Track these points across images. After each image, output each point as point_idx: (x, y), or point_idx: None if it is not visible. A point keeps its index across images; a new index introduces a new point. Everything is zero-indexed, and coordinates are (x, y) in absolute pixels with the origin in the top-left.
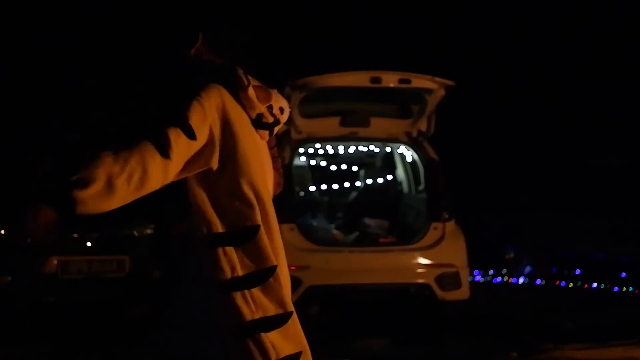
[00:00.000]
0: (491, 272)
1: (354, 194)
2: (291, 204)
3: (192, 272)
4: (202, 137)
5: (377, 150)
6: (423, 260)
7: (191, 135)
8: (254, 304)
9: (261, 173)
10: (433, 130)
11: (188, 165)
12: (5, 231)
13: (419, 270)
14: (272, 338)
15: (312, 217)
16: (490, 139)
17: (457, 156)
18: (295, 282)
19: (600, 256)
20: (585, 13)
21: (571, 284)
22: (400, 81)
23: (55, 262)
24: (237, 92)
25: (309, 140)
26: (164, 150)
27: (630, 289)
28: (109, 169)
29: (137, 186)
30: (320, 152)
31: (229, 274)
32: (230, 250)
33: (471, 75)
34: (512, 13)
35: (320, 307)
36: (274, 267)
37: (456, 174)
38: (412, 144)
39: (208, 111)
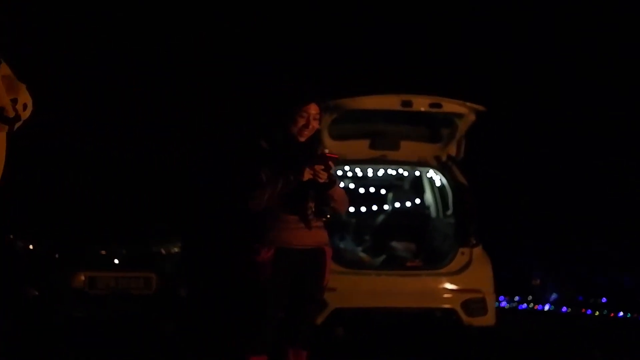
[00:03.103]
0: (517, 298)
1: (381, 217)
2: None
3: None
4: None
5: (406, 173)
6: (449, 285)
7: None
8: None
9: None
10: (462, 155)
11: None
12: (34, 245)
13: (445, 295)
14: None
15: (340, 239)
16: (521, 162)
17: (486, 180)
18: (321, 304)
19: (626, 280)
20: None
21: (597, 312)
22: (431, 105)
23: (83, 277)
24: None
25: (338, 162)
26: None
27: None
28: None
29: None
30: (349, 174)
31: None
32: None
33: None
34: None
35: (346, 329)
36: None
37: (485, 198)
38: (442, 168)
39: None
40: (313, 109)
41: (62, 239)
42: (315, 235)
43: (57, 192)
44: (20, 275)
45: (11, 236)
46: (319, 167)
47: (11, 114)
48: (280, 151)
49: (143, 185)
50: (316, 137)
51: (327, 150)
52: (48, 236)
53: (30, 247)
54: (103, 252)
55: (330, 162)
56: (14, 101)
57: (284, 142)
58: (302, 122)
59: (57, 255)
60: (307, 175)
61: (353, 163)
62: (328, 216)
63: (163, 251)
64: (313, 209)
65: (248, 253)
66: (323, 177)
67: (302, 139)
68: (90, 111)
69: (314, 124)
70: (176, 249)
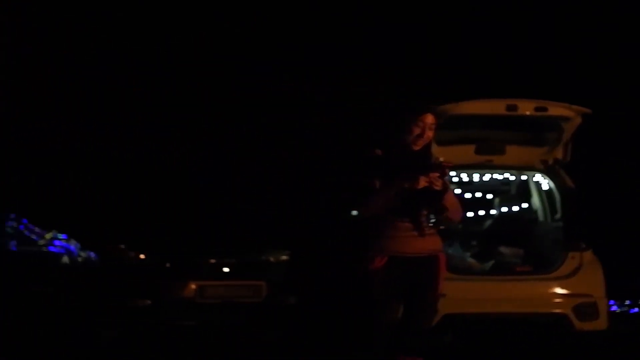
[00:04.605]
0: (627, 302)
1: (488, 222)
2: None
3: None
4: None
5: (512, 178)
6: (560, 290)
7: None
8: None
9: None
10: (569, 158)
11: None
12: (145, 255)
13: (556, 300)
14: None
15: (447, 245)
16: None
17: (594, 183)
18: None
19: None
20: None
21: None
22: (537, 109)
23: (194, 286)
24: None
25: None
26: None
27: None
28: None
29: None
30: (455, 179)
31: None
32: None
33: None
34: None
35: (455, 336)
36: None
37: (594, 201)
38: (548, 172)
39: None
40: (429, 118)
41: (173, 249)
42: (429, 242)
43: (168, 202)
44: (131, 286)
45: (122, 246)
46: (434, 175)
47: None
48: (394, 159)
49: (253, 194)
50: (429, 146)
51: (442, 159)
52: (159, 246)
53: (142, 257)
54: (213, 261)
55: (445, 170)
56: None
57: (398, 150)
58: (417, 131)
59: (168, 265)
60: (423, 183)
61: (459, 168)
62: (442, 226)
63: (272, 259)
64: (427, 217)
65: (360, 261)
66: (438, 185)
67: (417, 148)
68: (187, 124)
69: (429, 134)
70: (285, 257)
